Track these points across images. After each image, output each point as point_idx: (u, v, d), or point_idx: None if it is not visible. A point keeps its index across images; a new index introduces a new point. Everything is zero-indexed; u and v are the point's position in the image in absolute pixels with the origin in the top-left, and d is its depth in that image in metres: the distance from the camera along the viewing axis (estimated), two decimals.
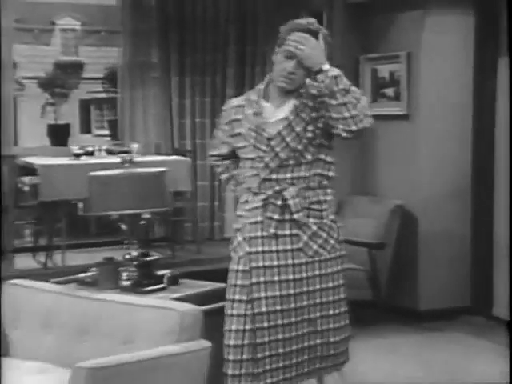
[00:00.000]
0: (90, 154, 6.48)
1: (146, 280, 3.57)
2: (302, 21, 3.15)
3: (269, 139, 3.11)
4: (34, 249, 6.40)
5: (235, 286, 3.13)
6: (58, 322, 3.34)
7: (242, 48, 7.50)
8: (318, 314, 3.13)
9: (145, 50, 7.46)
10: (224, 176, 3.40)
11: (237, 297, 3.11)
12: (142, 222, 3.70)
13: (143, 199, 3.59)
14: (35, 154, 6.64)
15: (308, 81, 3.12)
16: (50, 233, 6.16)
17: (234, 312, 3.11)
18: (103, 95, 9.23)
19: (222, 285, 3.34)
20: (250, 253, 3.10)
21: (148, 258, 3.63)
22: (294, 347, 3.12)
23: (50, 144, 8.05)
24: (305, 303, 3.11)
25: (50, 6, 8.64)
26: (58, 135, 8.09)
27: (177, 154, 7.15)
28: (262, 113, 3.15)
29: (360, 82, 6.22)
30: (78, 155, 6.25)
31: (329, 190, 3.20)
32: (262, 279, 3.08)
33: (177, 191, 6.23)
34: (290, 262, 3.09)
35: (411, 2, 5.80)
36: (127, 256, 3.67)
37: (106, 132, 9.09)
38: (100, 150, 6.58)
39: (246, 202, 3.16)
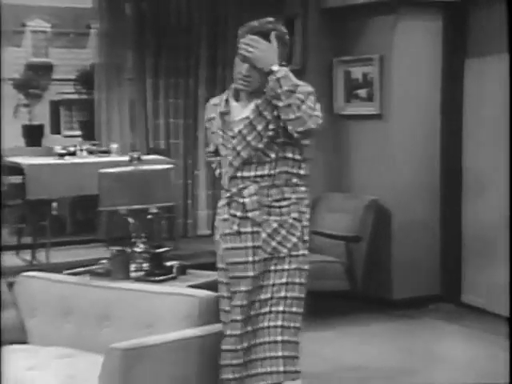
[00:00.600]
0: (73, 153, 6.66)
1: (157, 270, 3.78)
2: (256, 22, 3.14)
3: (232, 137, 3.15)
4: (18, 247, 6.54)
5: (222, 283, 3.22)
6: (78, 310, 3.55)
7: (214, 51, 7.73)
8: (268, 309, 3.11)
9: (120, 52, 7.64)
10: (217, 172, 3.40)
11: (225, 294, 3.20)
12: (149, 217, 3.91)
13: (151, 195, 3.81)
14: (14, 154, 6.78)
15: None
16: (35, 231, 6.31)
17: (226, 308, 3.18)
18: (72, 96, 9.35)
19: None
20: (225, 249, 3.17)
21: (159, 250, 3.85)
22: (260, 340, 3.13)
23: (25, 144, 8.18)
24: (256, 298, 3.11)
25: (21, 7, 8.74)
26: (33, 136, 8.22)
27: (151, 154, 7.35)
28: (230, 112, 3.19)
29: (333, 83, 6.47)
30: (62, 155, 6.43)
31: (301, 188, 3.19)
32: (236, 274, 3.13)
33: None
34: (250, 259, 3.11)
35: (384, 8, 6.00)
36: (137, 249, 3.88)
37: (76, 132, 9.22)
38: (82, 150, 6.76)
39: (222, 198, 3.22)
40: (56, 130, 9.27)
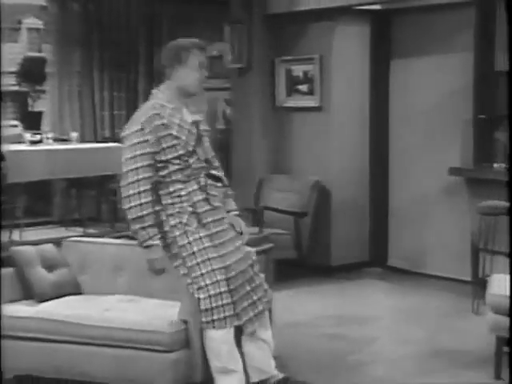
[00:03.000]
0: (39, 141, 7.25)
1: None
2: (196, 41, 3.86)
3: (198, 136, 3.76)
4: None
5: (205, 248, 3.67)
6: (131, 266, 4.30)
7: (151, 48, 8.49)
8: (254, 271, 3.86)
9: (70, 47, 8.25)
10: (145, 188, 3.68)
11: (210, 255, 3.67)
12: None
13: None
14: None
15: None
16: (12, 213, 6.87)
17: (215, 267, 3.66)
18: (5, 88, 9.76)
19: None
20: (204, 223, 3.70)
21: None
22: (248, 288, 3.75)
23: None
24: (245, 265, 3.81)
25: None
26: None
27: (98, 142, 8.05)
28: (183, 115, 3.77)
29: (276, 79, 7.30)
30: (34, 142, 7.01)
31: None
32: (230, 249, 3.76)
33: None
34: (226, 226, 3.80)
35: (323, 15, 6.85)
36: None
37: (12, 122, 9.64)
38: (48, 138, 7.35)
39: (179, 189, 3.69)
40: None
